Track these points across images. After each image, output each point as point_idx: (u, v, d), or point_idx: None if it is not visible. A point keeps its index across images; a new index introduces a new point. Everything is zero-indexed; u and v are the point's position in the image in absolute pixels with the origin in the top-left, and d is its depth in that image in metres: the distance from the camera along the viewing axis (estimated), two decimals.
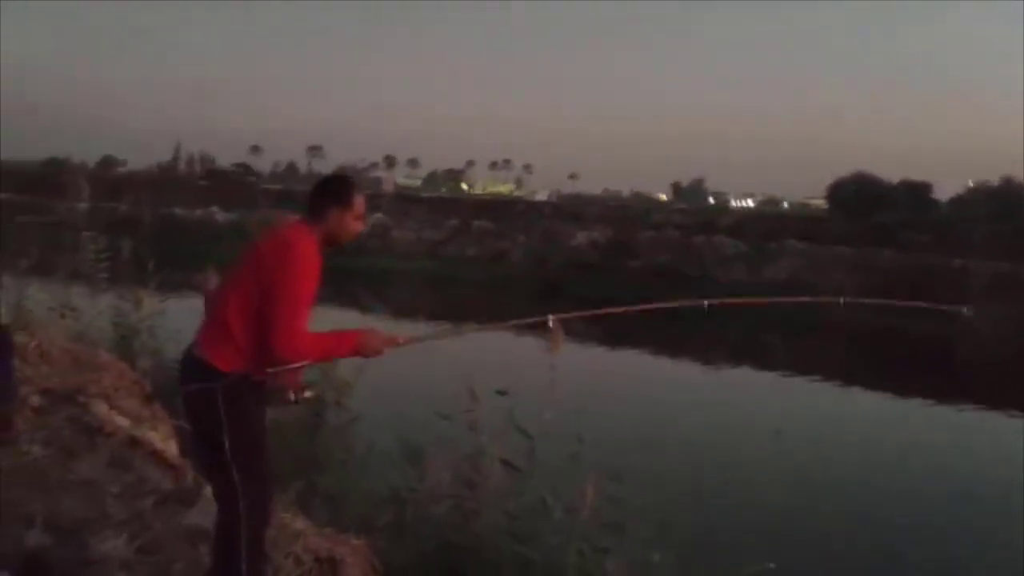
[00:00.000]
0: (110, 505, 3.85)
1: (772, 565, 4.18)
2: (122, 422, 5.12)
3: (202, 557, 3.21)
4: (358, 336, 3.06)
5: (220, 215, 40.30)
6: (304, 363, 3.02)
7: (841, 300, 4.22)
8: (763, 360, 21.71)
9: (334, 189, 3.13)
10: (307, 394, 3.28)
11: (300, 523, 3.70)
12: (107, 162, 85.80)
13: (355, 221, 3.11)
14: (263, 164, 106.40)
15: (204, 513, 3.46)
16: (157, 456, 4.58)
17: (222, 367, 2.92)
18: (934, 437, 13.77)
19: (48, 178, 44.81)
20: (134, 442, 4.73)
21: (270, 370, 2.95)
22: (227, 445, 2.90)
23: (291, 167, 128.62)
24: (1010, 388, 19.43)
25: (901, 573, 7.51)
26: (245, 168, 74.69)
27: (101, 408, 5.24)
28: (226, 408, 2.91)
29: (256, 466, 2.98)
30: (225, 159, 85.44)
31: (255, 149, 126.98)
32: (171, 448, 5.03)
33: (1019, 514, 9.10)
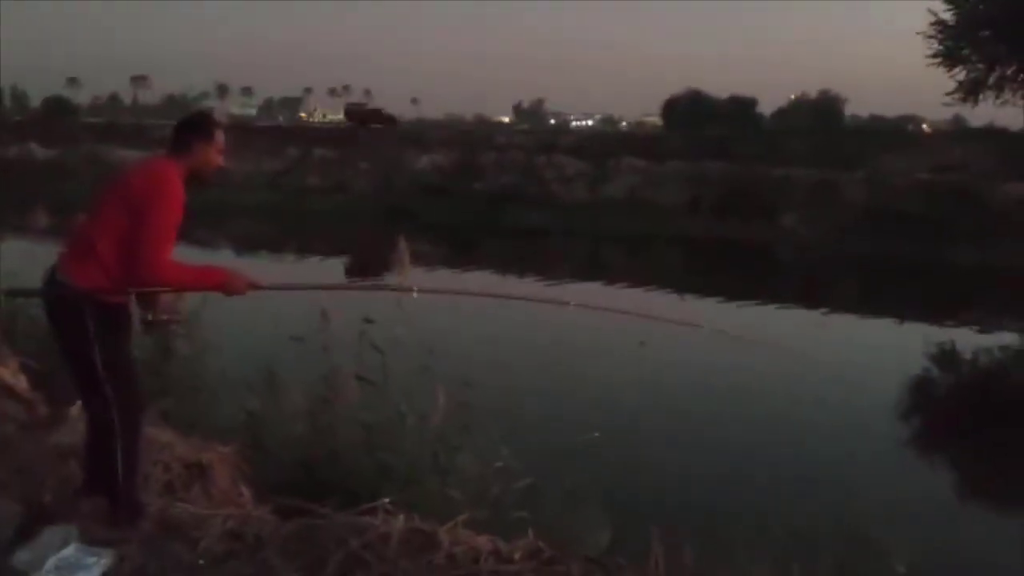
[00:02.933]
0: None
1: (596, 434, 4.63)
2: None
3: (73, 472, 3.34)
4: (223, 273, 3.29)
5: (40, 152, 37.86)
6: (165, 288, 3.22)
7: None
8: (606, 273, 22.63)
9: (198, 124, 3.40)
10: (163, 317, 3.44)
11: (166, 434, 3.86)
12: None
13: (217, 154, 3.39)
14: (82, 96, 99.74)
15: (70, 433, 3.58)
16: (8, 390, 4.59)
17: (88, 287, 3.09)
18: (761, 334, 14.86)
19: None
20: None
21: (130, 290, 3.13)
22: (98, 362, 3.08)
23: (114, 98, 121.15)
24: (827, 287, 21.13)
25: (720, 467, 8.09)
26: (62, 101, 69.68)
27: None
28: (95, 326, 3.09)
29: (127, 381, 3.18)
30: (38, 92, 79.46)
31: (72, 81, 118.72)
32: (21, 382, 5.02)
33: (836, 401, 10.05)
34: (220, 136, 3.37)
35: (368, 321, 6.16)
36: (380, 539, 2.64)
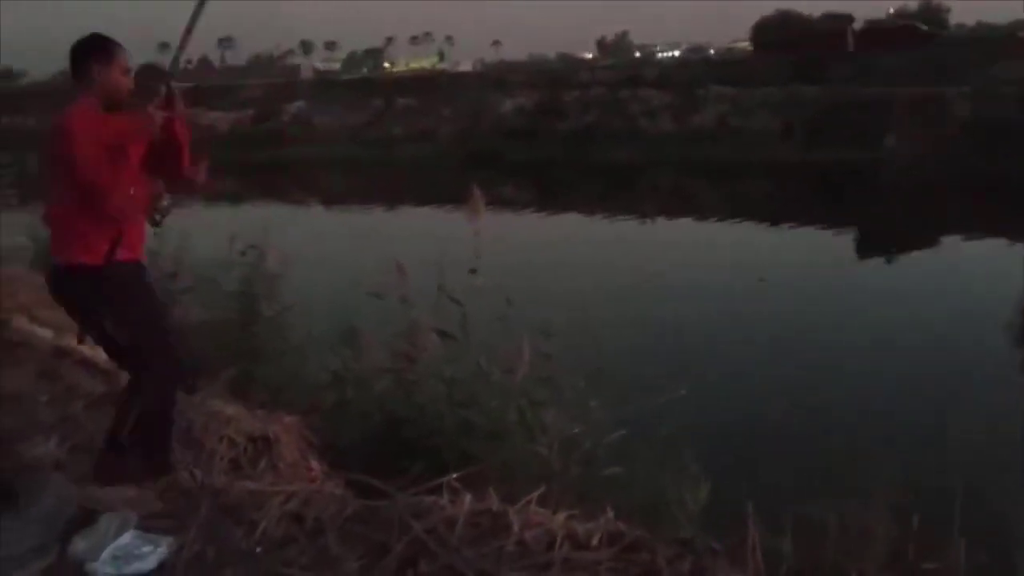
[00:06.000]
0: (40, 413, 3.85)
1: (683, 392, 4.35)
2: (46, 334, 5.07)
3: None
4: (141, 119, 2.94)
5: None
6: (140, 201, 3.00)
7: None
8: (696, 208, 21.99)
9: (91, 46, 3.03)
10: (164, 203, 3.21)
11: (231, 408, 3.75)
12: (5, 75, 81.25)
13: (122, 75, 3.04)
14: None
15: None
16: (86, 363, 4.56)
17: (86, 260, 2.92)
18: (859, 268, 14.21)
19: None
20: (61, 352, 4.70)
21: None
22: (115, 327, 2.96)
23: (203, 62, 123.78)
24: (931, 208, 19.97)
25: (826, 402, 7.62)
26: (155, 67, 71.40)
27: (22, 322, 5.18)
28: (102, 295, 2.94)
29: (154, 338, 3.02)
30: (133, 59, 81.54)
31: (163, 47, 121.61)
32: (100, 354, 5.00)
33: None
34: (122, 54, 3.03)
35: (472, 271, 5.98)
36: (445, 523, 2.43)
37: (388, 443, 5.14)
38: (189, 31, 3.10)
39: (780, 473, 5.45)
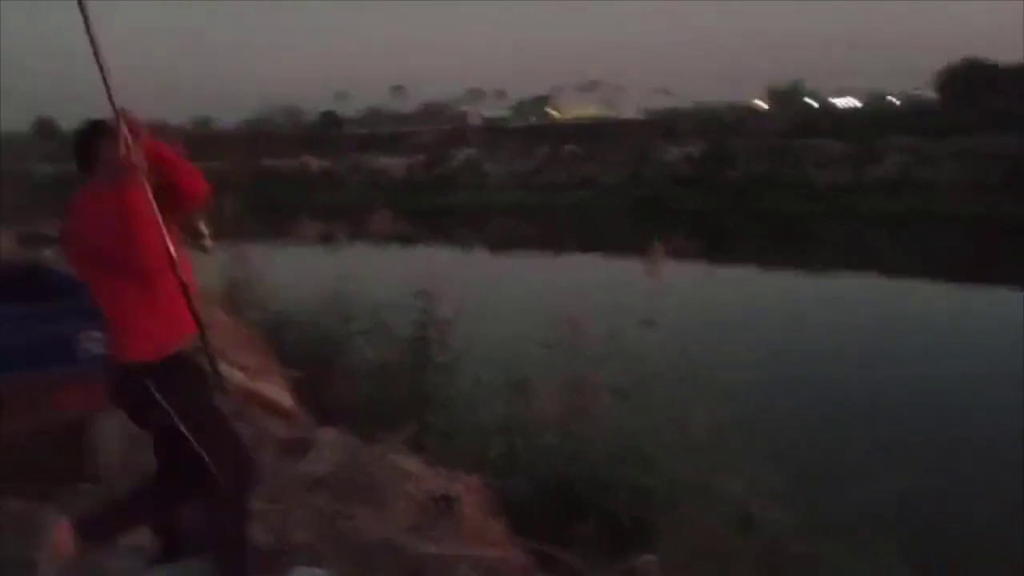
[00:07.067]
0: None
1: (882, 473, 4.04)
2: (237, 376, 5.23)
3: (318, 502, 3.24)
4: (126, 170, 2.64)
5: (314, 163, 40.93)
6: (168, 242, 2.71)
7: None
8: (874, 263, 20.90)
9: (95, 132, 2.86)
10: (203, 229, 3.26)
11: (411, 463, 3.71)
12: (203, 122, 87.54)
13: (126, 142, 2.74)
14: (349, 110, 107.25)
15: (316, 461, 3.51)
16: (273, 407, 4.67)
17: (140, 359, 2.80)
18: None
19: None
20: (250, 395, 4.82)
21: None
22: (183, 428, 2.79)
23: (374, 109, 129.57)
24: None
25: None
26: (332, 115, 75.29)
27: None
28: (162, 393, 2.78)
29: (221, 436, 2.88)
30: (312, 108, 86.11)
31: (340, 95, 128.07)
32: (286, 399, 5.12)
33: None
34: (122, 125, 2.70)
35: (648, 323, 5.83)
36: None
37: (557, 499, 5.03)
38: (98, 58, 2.72)
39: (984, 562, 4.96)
